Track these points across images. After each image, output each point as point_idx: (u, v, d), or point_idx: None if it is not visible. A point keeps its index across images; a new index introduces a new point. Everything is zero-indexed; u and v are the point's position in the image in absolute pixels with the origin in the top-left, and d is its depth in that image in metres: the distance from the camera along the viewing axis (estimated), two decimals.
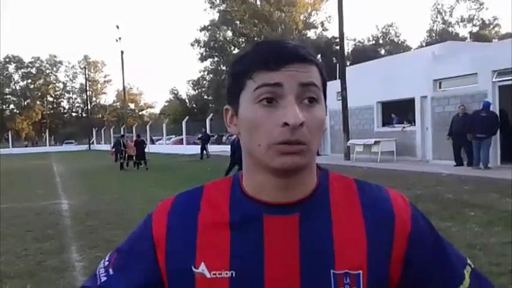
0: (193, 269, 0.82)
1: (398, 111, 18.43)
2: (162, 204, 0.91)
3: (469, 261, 0.91)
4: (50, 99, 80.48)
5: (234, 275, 0.81)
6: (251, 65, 0.80)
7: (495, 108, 13.24)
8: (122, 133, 26.78)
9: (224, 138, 31.89)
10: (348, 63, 29.73)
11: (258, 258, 0.82)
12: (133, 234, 0.92)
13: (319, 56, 48.64)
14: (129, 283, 0.86)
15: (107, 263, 0.90)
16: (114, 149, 22.27)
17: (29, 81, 77.55)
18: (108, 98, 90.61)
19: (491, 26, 57.00)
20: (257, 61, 0.80)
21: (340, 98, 18.42)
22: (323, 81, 0.84)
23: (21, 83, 78.13)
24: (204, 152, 24.52)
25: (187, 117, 36.72)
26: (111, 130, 49.65)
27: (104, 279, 0.88)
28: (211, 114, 33.10)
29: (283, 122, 0.77)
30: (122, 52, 46.91)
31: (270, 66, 0.79)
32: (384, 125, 18.81)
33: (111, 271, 0.88)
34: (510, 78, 12.83)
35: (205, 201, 0.88)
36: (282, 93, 0.78)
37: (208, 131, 28.19)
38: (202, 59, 57.06)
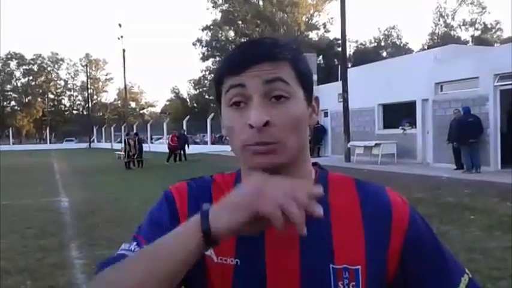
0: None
1: (399, 113, 18.39)
2: (179, 186, 0.93)
3: (467, 271, 0.91)
4: (51, 96, 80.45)
5: (238, 263, 0.84)
6: (221, 71, 0.85)
7: (497, 112, 13.26)
8: (127, 131, 26.73)
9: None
10: (350, 65, 29.71)
11: (260, 251, 0.84)
12: (156, 210, 0.90)
13: (320, 57, 48.77)
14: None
15: (134, 241, 0.85)
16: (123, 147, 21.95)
17: (31, 78, 77.54)
18: (109, 96, 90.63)
19: (494, 30, 57.09)
20: (225, 67, 0.84)
21: (341, 99, 18.42)
22: (298, 76, 0.83)
23: (23, 80, 78.14)
24: (181, 153, 23.52)
25: (188, 116, 36.71)
26: (112, 128, 49.68)
27: (133, 248, 0.84)
28: (212, 114, 33.10)
29: (248, 123, 0.79)
30: (124, 50, 46.85)
31: (234, 70, 0.82)
32: (385, 127, 18.80)
33: (139, 239, 0.85)
34: (511, 82, 12.84)
35: (216, 189, 0.92)
36: (248, 94, 0.80)
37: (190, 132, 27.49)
38: (204, 58, 57.15)
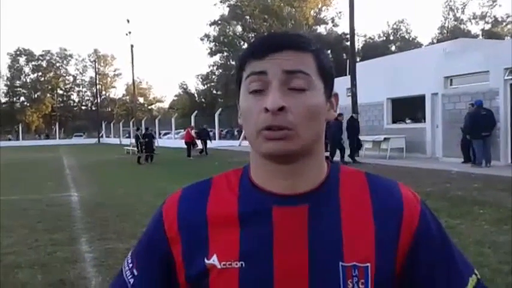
0: (206, 261, 0.84)
1: (408, 108, 18.32)
2: (170, 200, 0.92)
3: (476, 272, 0.90)
4: (60, 92, 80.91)
5: (243, 265, 0.82)
6: (243, 57, 0.85)
7: (507, 106, 13.16)
8: (137, 126, 26.90)
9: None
10: (358, 60, 29.52)
11: (267, 250, 0.82)
12: (147, 232, 0.93)
13: (328, 51, 48.55)
14: (153, 281, 0.90)
15: (131, 265, 0.92)
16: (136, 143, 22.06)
17: (40, 74, 78.02)
18: (117, 91, 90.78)
19: (504, 23, 56.42)
20: (247, 53, 0.84)
21: (350, 94, 18.35)
22: (320, 69, 0.84)
23: (32, 76, 78.67)
24: (195, 147, 23.36)
25: (196, 111, 36.78)
26: (120, 124, 49.93)
27: (132, 281, 0.91)
28: (220, 109, 33.14)
29: (264, 107, 0.79)
30: (132, 46, 46.91)
31: (256, 56, 0.82)
32: (394, 121, 18.72)
33: (135, 271, 0.91)
34: None
35: (213, 194, 0.89)
36: (268, 80, 0.80)
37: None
38: (212, 53, 57.12)
